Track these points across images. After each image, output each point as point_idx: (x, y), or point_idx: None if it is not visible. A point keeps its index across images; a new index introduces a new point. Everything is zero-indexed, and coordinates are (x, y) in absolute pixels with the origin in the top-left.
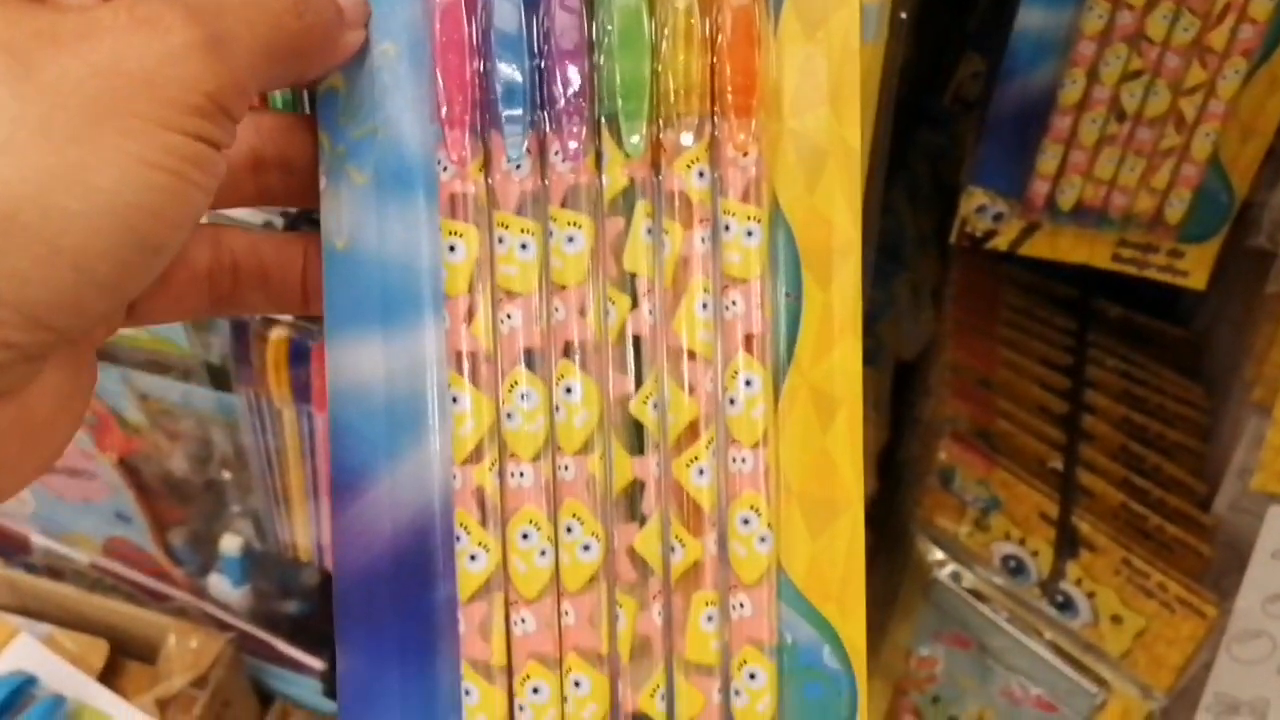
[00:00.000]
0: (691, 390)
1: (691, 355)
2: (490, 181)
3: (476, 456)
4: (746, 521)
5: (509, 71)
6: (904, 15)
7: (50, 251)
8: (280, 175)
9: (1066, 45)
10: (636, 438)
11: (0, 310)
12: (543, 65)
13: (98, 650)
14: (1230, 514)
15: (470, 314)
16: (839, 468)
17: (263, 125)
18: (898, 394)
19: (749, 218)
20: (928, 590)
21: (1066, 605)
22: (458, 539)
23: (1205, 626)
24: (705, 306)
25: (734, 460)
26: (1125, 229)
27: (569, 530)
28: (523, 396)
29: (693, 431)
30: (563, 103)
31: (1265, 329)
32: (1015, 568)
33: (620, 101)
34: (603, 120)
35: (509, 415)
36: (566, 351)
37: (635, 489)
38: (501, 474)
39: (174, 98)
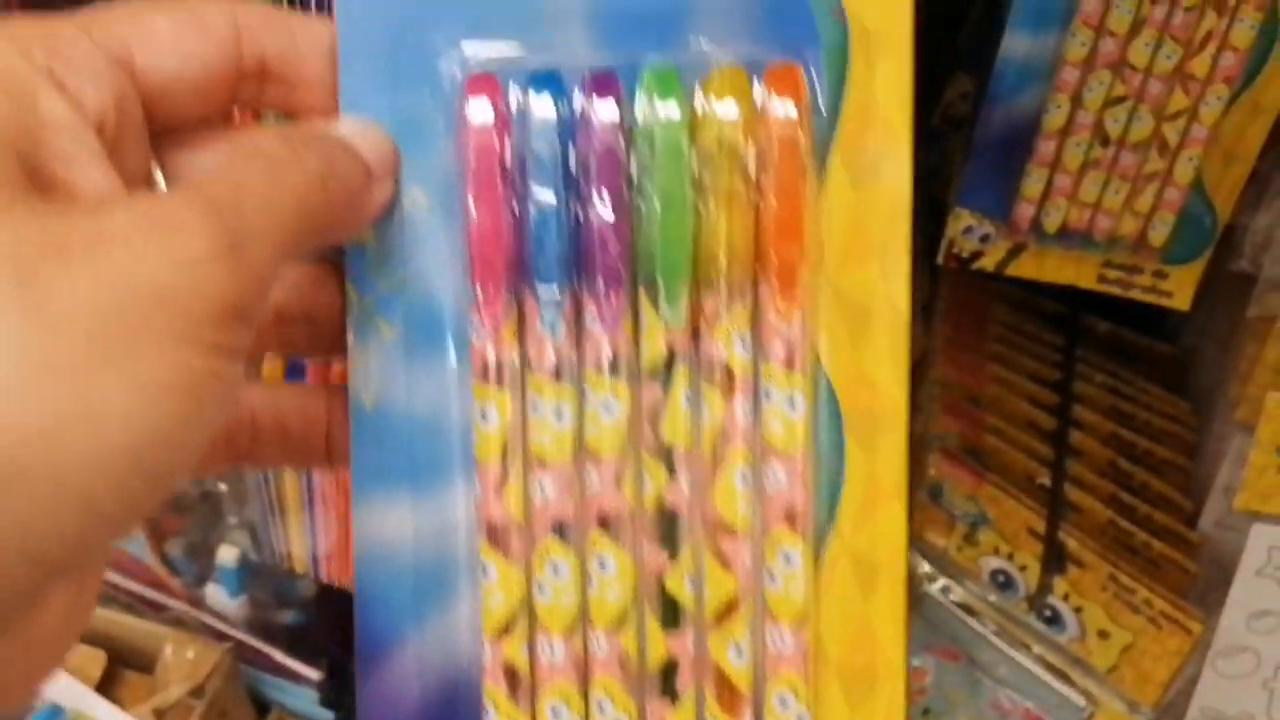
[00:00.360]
0: (729, 565)
1: (730, 529)
2: (525, 345)
3: (506, 630)
4: (784, 702)
5: (546, 231)
6: None
7: (55, 492)
8: (305, 328)
9: (1051, 71)
10: (672, 613)
11: (1, 555)
12: (581, 223)
13: (95, 660)
14: (1215, 531)
15: (502, 482)
16: (880, 637)
17: (287, 278)
18: None
19: (792, 386)
20: (918, 603)
21: (1054, 620)
22: (485, 713)
23: (1191, 642)
24: (745, 479)
25: (773, 639)
26: (1110, 251)
27: (601, 708)
28: (555, 569)
29: (730, 608)
30: (600, 266)
31: (1249, 350)
32: (1004, 582)
33: (660, 272)
34: (641, 284)
35: (540, 588)
36: (601, 523)
37: (670, 668)
38: (532, 647)
39: (190, 312)
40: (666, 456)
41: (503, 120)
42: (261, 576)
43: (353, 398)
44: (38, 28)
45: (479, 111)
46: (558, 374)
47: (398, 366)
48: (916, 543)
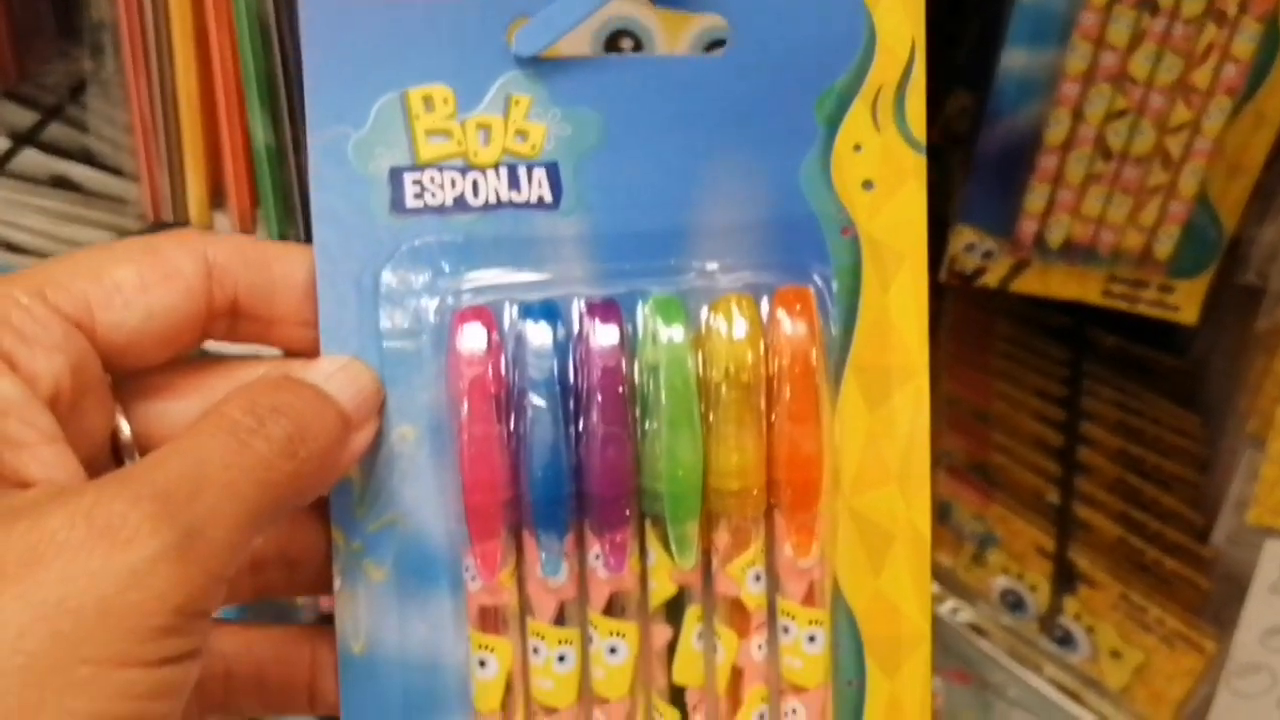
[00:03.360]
0: None
1: None
2: (524, 589)
3: None
4: None
5: (542, 464)
6: None
7: None
8: (283, 572)
9: (1051, 86)
10: None
11: None
12: (581, 454)
13: None
14: (1228, 547)
15: None
16: None
17: None
18: None
19: (811, 622)
20: None
21: (1066, 640)
22: None
23: (1204, 661)
24: (763, 718)
25: None
26: (1115, 265)
27: None
28: None
29: None
30: (603, 501)
31: (1258, 363)
32: (1014, 603)
33: (669, 514)
34: (648, 518)
35: None
36: None
37: None
38: None
39: (134, 627)
40: (679, 699)
41: (496, 351)
42: (261, 605)
43: (341, 645)
44: None
45: (470, 342)
46: (560, 619)
47: (389, 610)
48: None
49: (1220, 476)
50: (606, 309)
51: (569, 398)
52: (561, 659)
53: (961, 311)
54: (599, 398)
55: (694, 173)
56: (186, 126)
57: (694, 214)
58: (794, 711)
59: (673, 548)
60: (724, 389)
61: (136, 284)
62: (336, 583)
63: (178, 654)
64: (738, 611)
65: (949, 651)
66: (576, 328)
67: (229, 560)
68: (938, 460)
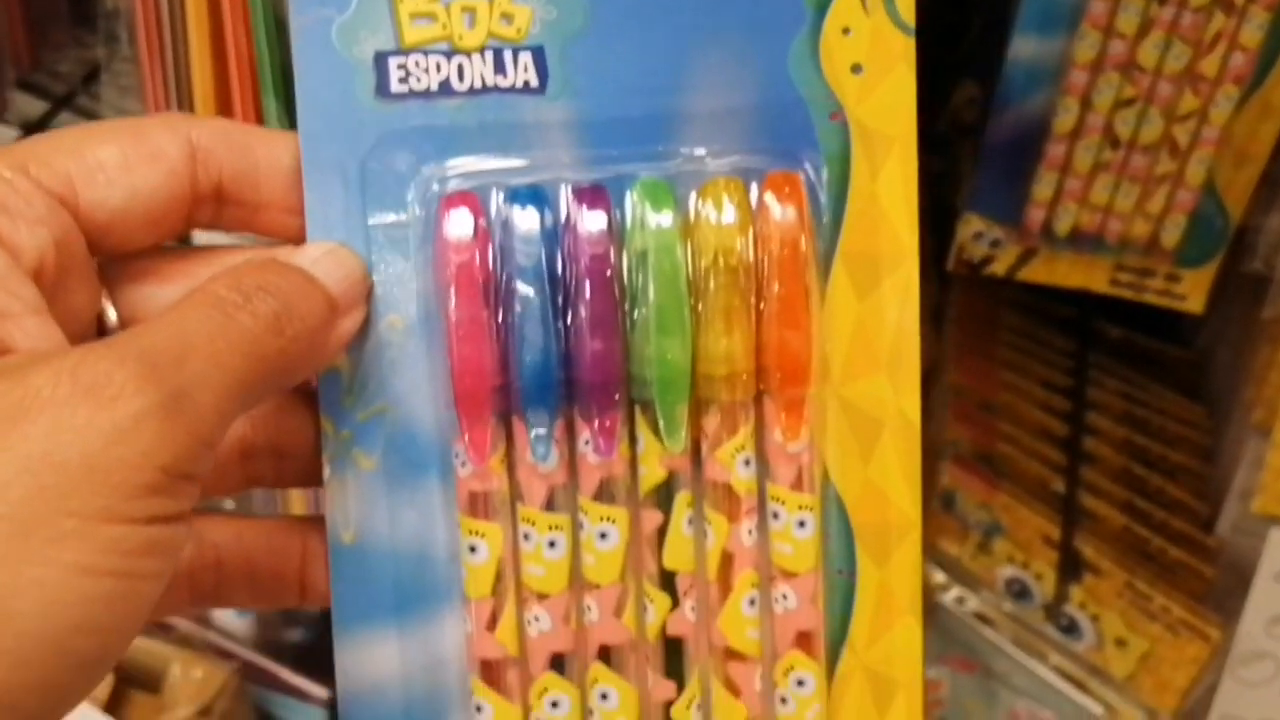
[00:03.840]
0: (739, 693)
1: (739, 655)
2: (514, 475)
3: None
4: None
5: (532, 350)
6: None
7: None
8: (272, 462)
9: (1059, 74)
10: None
11: None
12: (572, 343)
13: (103, 681)
14: (1233, 536)
15: (494, 618)
16: None
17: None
18: None
19: (801, 507)
20: (932, 613)
21: (1071, 628)
22: None
23: (1209, 649)
24: (753, 603)
25: None
26: (1122, 254)
27: None
28: (554, 704)
29: None
30: (593, 386)
31: (1263, 352)
32: (1019, 591)
33: (658, 398)
34: (638, 404)
35: None
36: (601, 655)
37: None
38: None
39: (120, 482)
40: (669, 584)
41: (483, 237)
42: None
43: (331, 534)
44: None
45: (458, 228)
46: (550, 504)
47: (379, 499)
48: (930, 552)
49: (1225, 466)
50: (594, 194)
51: (557, 284)
52: (552, 545)
53: (968, 302)
54: (587, 283)
55: (681, 57)
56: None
57: (681, 99)
58: (784, 597)
59: (662, 432)
60: (712, 274)
61: (120, 162)
62: (326, 471)
63: (165, 514)
64: (727, 496)
65: (954, 640)
66: (564, 214)
67: (215, 426)
68: (944, 450)
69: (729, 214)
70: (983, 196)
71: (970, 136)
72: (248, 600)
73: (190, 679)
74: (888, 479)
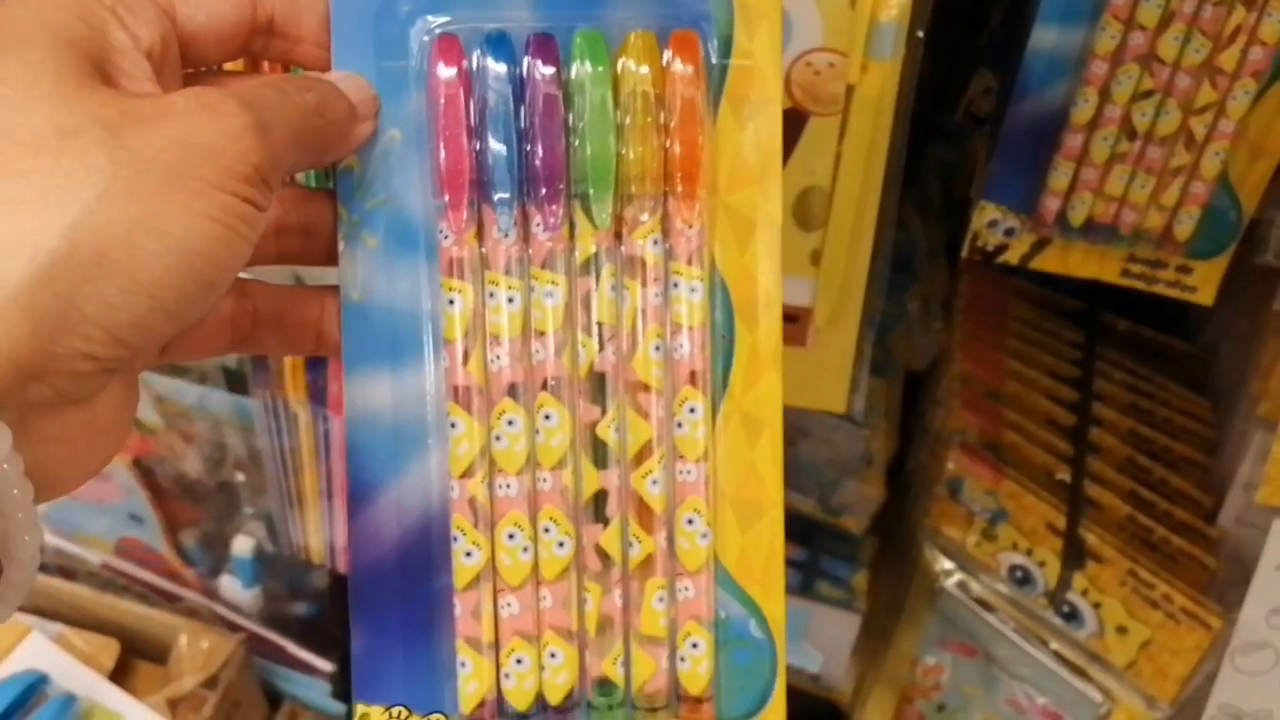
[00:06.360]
0: (646, 416)
1: (646, 388)
2: (483, 247)
3: (470, 471)
4: (691, 521)
5: (499, 157)
6: (920, 34)
7: (131, 283)
8: (299, 239)
9: (1079, 65)
10: (602, 455)
11: (91, 329)
12: (528, 149)
13: (109, 650)
14: (1235, 527)
15: (466, 355)
16: (763, 477)
17: (285, 196)
18: (907, 404)
19: (693, 278)
20: (934, 599)
21: (1073, 615)
22: (454, 539)
23: (1210, 638)
24: (658, 349)
25: (681, 472)
26: (1135, 245)
27: (546, 531)
28: (509, 422)
29: (647, 450)
30: (543, 182)
31: (1271, 345)
32: (1022, 578)
33: (590, 184)
34: (576, 197)
35: (497, 438)
36: (545, 385)
37: (601, 497)
38: (491, 485)
39: (229, 167)
40: (597, 333)
41: (465, 74)
42: (276, 568)
43: (343, 294)
44: None
45: (445, 64)
46: (509, 270)
47: (380, 269)
48: (935, 537)
49: (1229, 459)
50: (546, 41)
51: (520, 107)
52: (510, 300)
53: (977, 292)
54: (540, 105)
55: None
56: None
57: None
58: (681, 345)
59: (594, 217)
60: (632, 101)
61: None
62: (340, 246)
63: (252, 199)
64: (641, 268)
65: (955, 626)
66: (524, 55)
67: (283, 155)
68: (951, 437)
69: (644, 58)
70: (998, 185)
71: (985, 126)
72: (275, 345)
73: (197, 650)
74: (758, 264)
